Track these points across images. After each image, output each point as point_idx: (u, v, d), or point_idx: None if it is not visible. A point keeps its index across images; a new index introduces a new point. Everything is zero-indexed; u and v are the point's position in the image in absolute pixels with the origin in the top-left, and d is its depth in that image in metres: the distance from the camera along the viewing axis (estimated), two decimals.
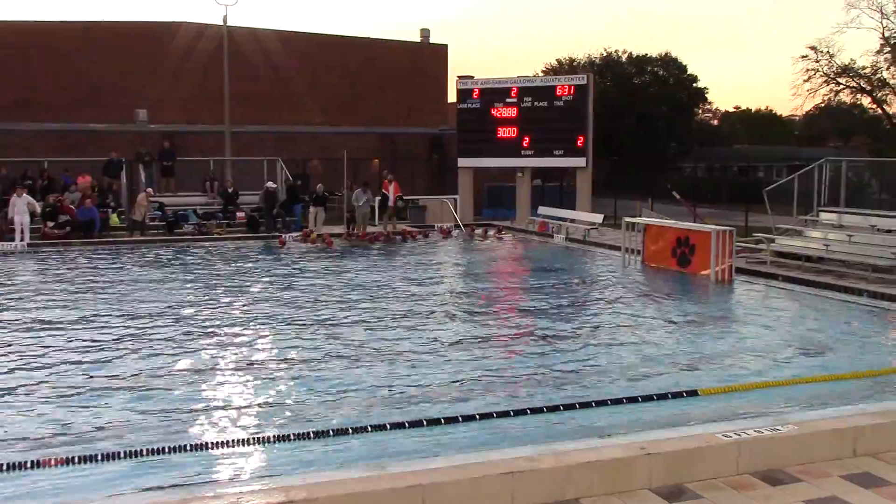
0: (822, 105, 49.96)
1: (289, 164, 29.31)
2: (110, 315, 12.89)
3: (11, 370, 9.53)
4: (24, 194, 23.01)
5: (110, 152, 27.36)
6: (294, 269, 18.86)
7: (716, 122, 76.02)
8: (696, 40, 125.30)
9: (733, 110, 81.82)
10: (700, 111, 63.75)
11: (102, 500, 5.28)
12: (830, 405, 7.97)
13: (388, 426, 7.12)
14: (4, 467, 6.18)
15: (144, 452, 6.58)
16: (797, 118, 66.21)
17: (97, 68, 35.59)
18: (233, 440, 6.99)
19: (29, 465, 6.28)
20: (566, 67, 52.85)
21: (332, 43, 41.27)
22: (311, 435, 6.99)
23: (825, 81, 45.96)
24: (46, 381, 9.04)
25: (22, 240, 22.41)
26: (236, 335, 11.53)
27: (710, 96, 62.01)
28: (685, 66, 54.87)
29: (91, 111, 34.28)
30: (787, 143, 66.44)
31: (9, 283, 16.50)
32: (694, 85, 55.26)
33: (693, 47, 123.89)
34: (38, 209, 23.31)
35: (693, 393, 8.26)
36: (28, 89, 34.60)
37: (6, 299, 14.41)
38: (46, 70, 35.15)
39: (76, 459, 6.44)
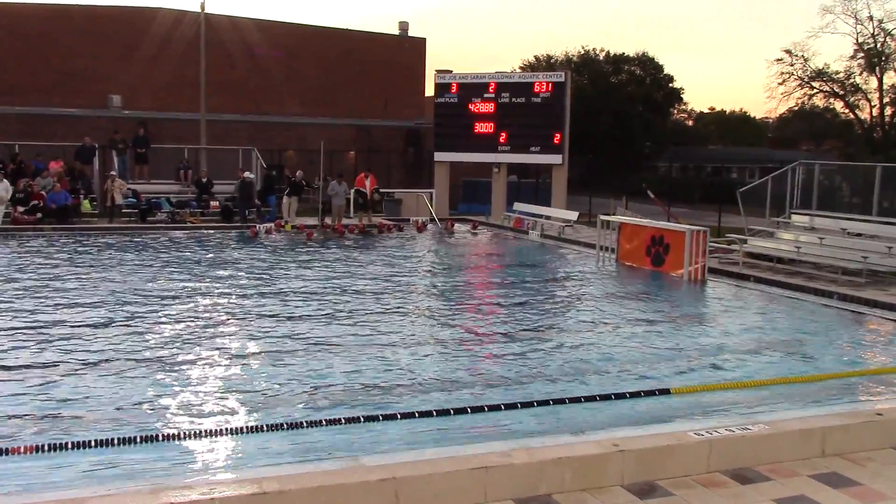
0: (796, 108, 50.56)
1: (264, 154, 29.16)
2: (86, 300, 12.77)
3: None
4: (4, 179, 22.84)
5: (83, 137, 27.04)
6: (267, 260, 18.75)
7: (690, 123, 76.48)
8: (673, 41, 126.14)
9: (708, 111, 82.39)
10: (675, 111, 64.15)
11: (71, 491, 5.21)
12: (800, 406, 8.06)
13: (362, 419, 7.10)
14: None
15: (115, 442, 6.51)
16: (771, 121, 66.91)
17: (71, 52, 35.15)
18: (203, 431, 6.94)
19: None
20: (544, 64, 53.01)
21: (310, 33, 41.09)
22: (284, 426, 6.96)
23: (799, 85, 46.52)
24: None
25: None
26: (205, 325, 11.45)
27: (685, 96, 62.31)
28: (662, 66, 55.30)
29: (64, 95, 33.90)
30: (760, 145, 67.08)
31: None
32: (670, 85, 55.65)
33: (670, 47, 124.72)
34: (8, 194, 23.07)
35: (665, 391, 8.31)
36: None
37: None
38: (18, 53, 34.67)
39: (45, 447, 6.36)
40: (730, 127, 75.87)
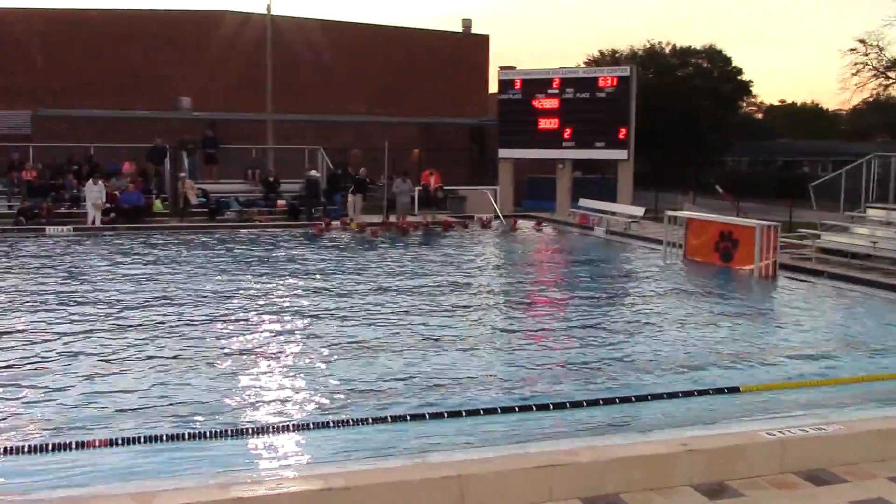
0: (871, 99, 49.04)
1: (329, 153, 29.45)
2: (167, 297, 13.07)
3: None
4: (101, 181, 23.65)
5: (154, 139, 27.66)
6: (334, 257, 18.92)
7: (760, 116, 74.98)
8: (742, 32, 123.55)
9: (778, 104, 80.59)
10: (744, 104, 62.90)
11: (140, 485, 5.32)
12: (877, 405, 7.82)
13: (427, 416, 7.11)
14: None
15: (185, 437, 6.64)
16: (844, 112, 65.15)
17: (141, 56, 36.00)
18: (272, 426, 7.03)
19: (51, 448, 6.36)
20: (608, 59, 52.44)
21: (374, 33, 41.36)
22: (351, 423, 7.01)
23: (874, 75, 45.09)
24: (76, 362, 9.16)
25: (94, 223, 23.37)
26: (276, 322, 11.60)
27: (754, 89, 61.20)
28: (729, 59, 54.18)
29: (135, 98, 34.71)
30: (833, 137, 65.30)
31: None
32: (738, 77, 54.51)
33: (738, 39, 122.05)
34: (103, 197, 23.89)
35: (735, 390, 8.15)
36: (73, 76, 35.10)
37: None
38: (92, 57, 35.61)
39: (119, 441, 6.51)
40: (801, 119, 74.08)
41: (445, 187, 28.22)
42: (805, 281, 16.28)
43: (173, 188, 26.35)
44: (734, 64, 54.06)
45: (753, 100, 67.54)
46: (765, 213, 23.92)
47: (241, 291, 14.01)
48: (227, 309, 12.49)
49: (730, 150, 55.92)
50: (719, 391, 8.08)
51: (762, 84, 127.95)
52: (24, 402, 7.79)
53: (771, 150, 58.04)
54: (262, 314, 12.16)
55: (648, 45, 53.93)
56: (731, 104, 55.28)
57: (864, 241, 17.57)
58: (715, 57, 53.94)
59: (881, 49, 44.19)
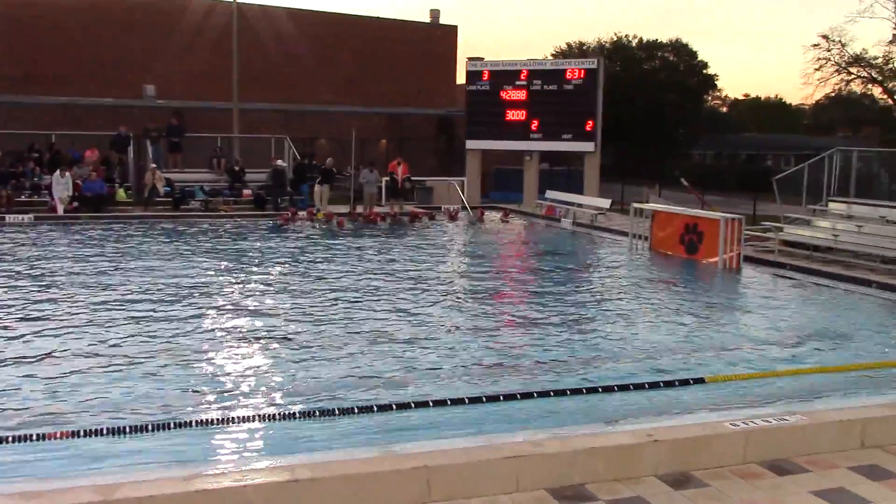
0: (833, 94, 49.70)
1: (296, 142, 29.24)
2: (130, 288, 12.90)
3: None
4: (68, 173, 23.27)
5: (118, 127, 27.27)
6: (298, 247, 18.81)
7: (725, 110, 75.70)
8: (707, 27, 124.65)
9: (742, 98, 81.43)
10: (709, 98, 63.48)
11: (104, 476, 5.25)
12: (839, 396, 7.93)
13: (394, 406, 7.09)
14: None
15: (148, 428, 6.56)
16: (807, 107, 65.93)
17: (106, 42, 35.43)
18: (236, 417, 6.97)
19: (30, 437, 6.27)
20: (576, 51, 52.64)
21: (341, 21, 41.08)
22: (316, 413, 6.96)
23: (836, 71, 45.62)
24: (48, 356, 9.03)
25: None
26: (238, 313, 11.51)
27: (719, 83, 61.72)
28: (695, 53, 54.78)
29: (99, 85, 34.19)
30: (796, 132, 66.14)
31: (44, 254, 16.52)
32: (704, 71, 55.05)
33: (704, 33, 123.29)
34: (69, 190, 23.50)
35: (700, 381, 8.21)
36: (35, 63, 34.46)
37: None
38: (54, 44, 34.96)
39: (81, 433, 6.42)
40: (765, 114, 74.96)
41: (413, 178, 28.16)
42: (768, 273, 16.47)
43: (137, 177, 26.01)
44: (700, 58, 54.63)
45: (718, 93, 68.28)
46: (729, 206, 24.16)
47: (199, 284, 13.87)
48: (184, 302, 12.35)
49: (695, 144, 56.43)
50: (685, 382, 8.13)
51: (727, 78, 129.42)
52: None
53: (735, 144, 58.59)
54: (223, 306, 12.05)
55: (616, 38, 54.29)
56: (697, 98, 55.78)
57: (826, 235, 17.80)
58: (681, 50, 54.43)
59: (843, 45, 44.78)
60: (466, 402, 7.32)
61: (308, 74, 37.97)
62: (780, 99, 79.71)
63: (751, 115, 74.98)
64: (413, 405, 7.17)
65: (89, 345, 9.48)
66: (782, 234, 18.40)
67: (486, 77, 29.19)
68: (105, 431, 6.42)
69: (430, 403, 7.23)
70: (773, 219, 20.26)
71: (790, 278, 15.91)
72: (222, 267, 15.61)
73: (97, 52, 35.22)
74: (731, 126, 66.25)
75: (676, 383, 8.10)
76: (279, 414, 7.09)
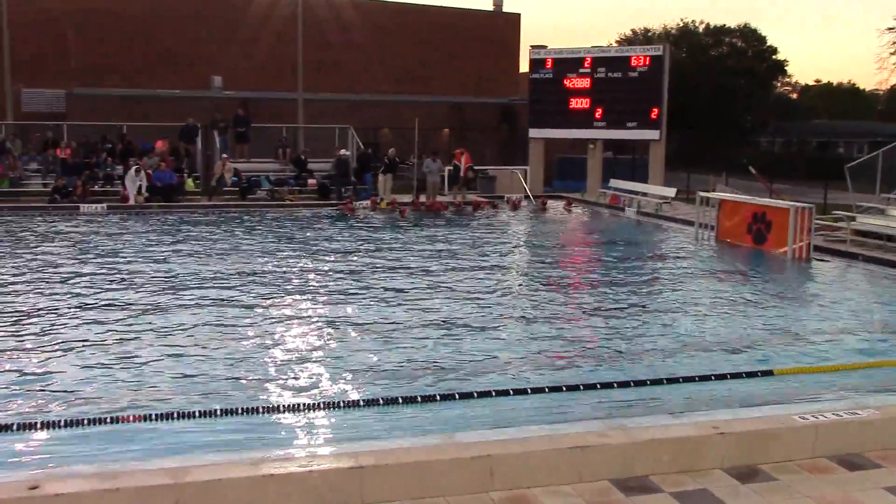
0: None
1: (359, 132, 29.45)
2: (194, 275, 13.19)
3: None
4: (142, 170, 24.03)
5: (186, 118, 27.80)
6: (362, 236, 18.97)
7: (795, 96, 73.86)
8: (777, 11, 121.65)
9: (813, 83, 79.31)
10: (779, 84, 62.03)
11: (173, 460, 5.38)
12: None
13: (457, 396, 7.12)
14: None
15: (218, 413, 6.70)
16: (881, 93, 64.03)
17: (174, 35, 36.16)
18: (304, 405, 7.07)
19: (99, 421, 6.47)
20: (641, 38, 51.92)
21: (404, 11, 41.21)
22: (381, 402, 7.03)
23: None
24: (109, 340, 9.27)
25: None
26: (309, 301, 11.66)
27: (789, 69, 60.24)
28: (764, 38, 53.48)
29: (167, 78, 34.92)
30: (869, 118, 64.23)
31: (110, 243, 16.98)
32: (773, 57, 53.77)
33: (773, 18, 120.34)
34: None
35: (769, 373, 8.07)
36: (106, 56, 35.36)
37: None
38: (124, 37, 35.84)
39: (152, 417, 6.60)
40: (837, 100, 72.88)
41: (475, 167, 28.13)
42: (839, 263, 16.08)
43: (205, 167, 26.50)
44: (769, 43, 53.36)
45: (788, 79, 66.58)
46: (798, 194, 23.63)
47: (268, 271, 14.09)
48: (251, 287, 12.56)
49: (763, 131, 55.23)
50: (752, 374, 8.00)
51: (797, 63, 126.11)
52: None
53: (805, 131, 57.16)
54: (294, 293, 12.22)
55: (682, 24, 53.35)
56: (766, 84, 54.55)
57: None
58: (749, 36, 53.25)
59: None
60: (529, 392, 7.33)
61: (371, 64, 38.22)
62: (853, 84, 77.50)
63: (822, 102, 73.00)
64: (476, 395, 7.20)
65: (163, 327, 9.72)
66: (854, 223, 17.93)
67: (549, 65, 28.96)
68: (177, 416, 6.59)
69: (493, 393, 7.25)
70: (844, 208, 19.74)
71: (862, 269, 15.51)
72: (292, 254, 15.83)
73: (165, 45, 35.98)
74: (801, 113, 64.65)
75: (744, 375, 7.98)
76: (343, 402, 7.18)
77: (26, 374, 8.05)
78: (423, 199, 25.58)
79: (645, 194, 25.23)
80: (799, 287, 14.29)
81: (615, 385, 7.62)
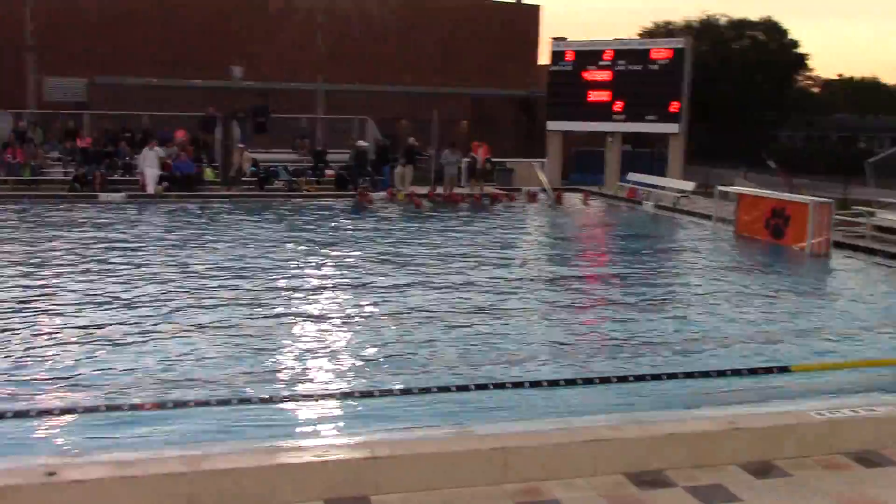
0: None
1: (378, 123, 29.44)
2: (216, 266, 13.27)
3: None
4: (156, 147, 23.91)
5: (206, 108, 27.88)
6: (377, 227, 19.00)
7: (817, 90, 73.19)
8: (799, 4, 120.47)
9: (836, 78, 78.52)
10: (801, 78, 61.47)
11: (185, 449, 5.42)
12: None
13: (473, 387, 7.13)
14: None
15: (232, 402, 6.75)
16: None
17: (194, 25, 36.22)
18: (317, 394, 7.11)
19: (116, 408, 6.53)
20: (662, 31, 51.58)
21: (425, 2, 41.10)
22: (396, 392, 7.06)
23: None
24: (114, 328, 9.34)
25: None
26: (323, 291, 11.70)
27: (811, 63, 59.60)
28: (786, 31, 52.97)
29: (187, 67, 34.99)
30: (892, 113, 63.56)
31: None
32: (795, 50, 53.31)
33: (795, 11, 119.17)
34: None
35: (785, 368, 8.04)
36: (127, 45, 35.44)
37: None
38: (143, 27, 35.90)
39: (170, 405, 6.65)
40: (859, 94, 72.14)
41: (493, 159, 28.09)
42: (859, 259, 15.96)
43: (224, 157, 26.59)
44: (791, 36, 52.88)
45: (810, 74, 65.93)
46: (818, 189, 23.47)
47: (285, 260, 14.15)
48: (272, 279, 12.63)
49: (784, 125, 54.82)
50: (769, 370, 7.97)
51: (819, 58, 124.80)
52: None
53: (827, 126, 56.69)
54: (314, 283, 12.27)
55: (704, 17, 52.95)
56: (787, 78, 54.11)
57: None
58: (772, 29, 52.80)
59: None
60: (545, 384, 7.33)
61: (390, 55, 38.15)
62: (876, 79, 76.64)
63: (844, 96, 72.31)
64: (491, 386, 7.21)
65: (180, 315, 9.79)
66: (874, 218, 17.78)
67: (569, 57, 28.84)
68: (193, 404, 6.64)
69: (509, 385, 7.26)
70: (865, 203, 19.59)
71: (882, 265, 15.39)
72: (308, 246, 15.88)
73: (185, 35, 36.03)
74: (823, 107, 64.05)
75: (760, 371, 7.95)
76: (358, 392, 7.21)
77: (40, 360, 8.12)
78: (439, 190, 25.57)
79: (663, 188, 25.11)
80: (816, 282, 14.21)
81: (631, 378, 7.61)
